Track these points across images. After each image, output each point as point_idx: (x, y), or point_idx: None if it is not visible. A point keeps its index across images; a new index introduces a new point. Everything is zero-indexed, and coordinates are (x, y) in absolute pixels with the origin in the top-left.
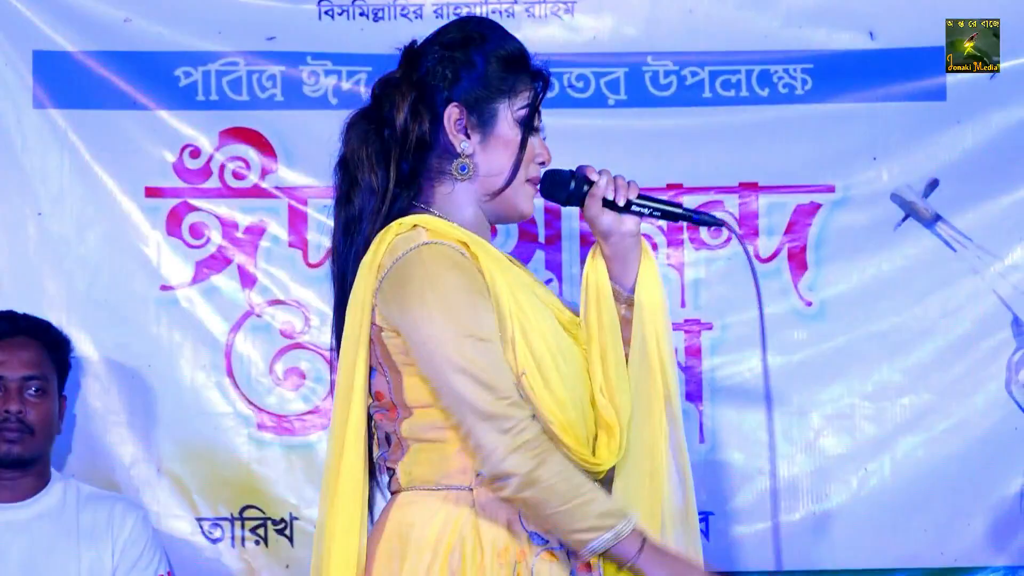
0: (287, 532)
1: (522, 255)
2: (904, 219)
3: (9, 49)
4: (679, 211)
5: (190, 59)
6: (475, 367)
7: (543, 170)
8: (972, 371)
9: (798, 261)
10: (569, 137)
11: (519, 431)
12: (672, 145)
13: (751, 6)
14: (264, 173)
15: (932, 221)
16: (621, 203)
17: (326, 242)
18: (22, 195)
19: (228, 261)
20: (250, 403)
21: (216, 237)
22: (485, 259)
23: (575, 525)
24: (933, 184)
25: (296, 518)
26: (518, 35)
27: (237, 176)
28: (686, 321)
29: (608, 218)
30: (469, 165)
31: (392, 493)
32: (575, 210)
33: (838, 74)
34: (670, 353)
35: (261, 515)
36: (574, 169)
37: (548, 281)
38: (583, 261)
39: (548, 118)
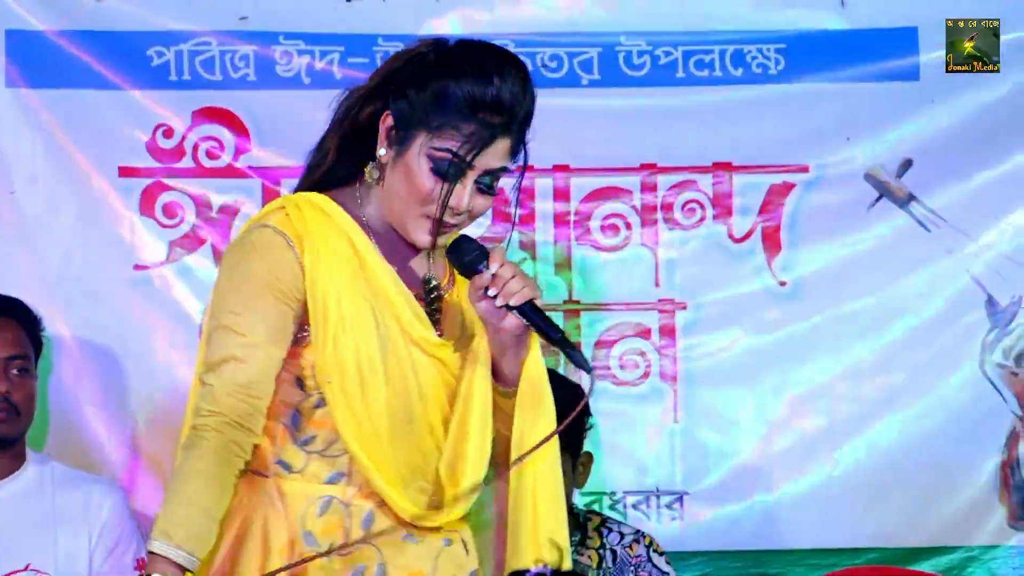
0: None
1: (497, 234)
2: (878, 199)
3: None
4: (556, 337)
5: (163, 39)
6: (209, 348)
7: (459, 219)
8: (946, 351)
9: (772, 241)
10: (542, 117)
11: (199, 415)
12: (646, 125)
13: None
14: (238, 153)
15: (906, 201)
16: (498, 304)
17: None
18: None
19: (202, 241)
20: None
21: (190, 216)
22: (314, 260)
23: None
24: (907, 164)
25: None
26: (491, 15)
27: (211, 156)
28: (660, 301)
29: (485, 307)
30: (379, 172)
31: None
32: (549, 188)
33: (811, 54)
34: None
35: None
36: (481, 247)
37: (522, 260)
38: (557, 240)
39: None
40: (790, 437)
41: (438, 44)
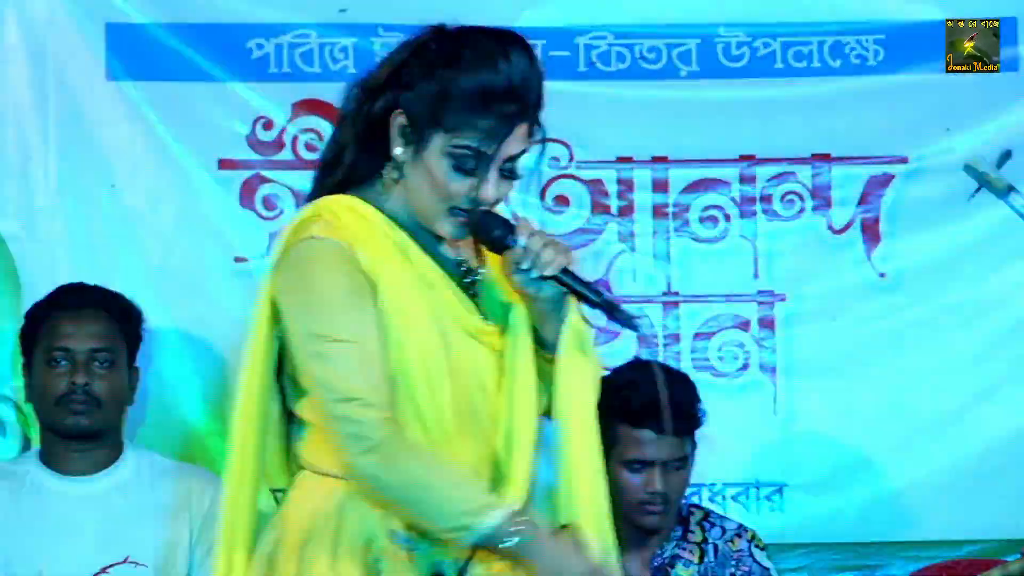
0: None
1: (595, 226)
2: (977, 190)
3: (83, 22)
4: (597, 300)
5: (263, 31)
6: (322, 370)
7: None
8: None
9: (871, 232)
10: (641, 108)
11: (364, 435)
12: (744, 116)
13: None
14: None
15: (1005, 192)
16: (534, 276)
17: None
18: (95, 168)
19: None
20: None
21: (289, 209)
22: (370, 262)
23: (438, 524)
24: (1007, 155)
25: None
26: (590, 6)
27: (310, 148)
28: (760, 292)
29: (520, 280)
30: (399, 171)
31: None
32: (648, 180)
33: (910, 44)
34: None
35: None
36: (506, 221)
37: (620, 253)
38: (656, 232)
39: (619, 89)
40: (890, 429)
41: (439, 33)
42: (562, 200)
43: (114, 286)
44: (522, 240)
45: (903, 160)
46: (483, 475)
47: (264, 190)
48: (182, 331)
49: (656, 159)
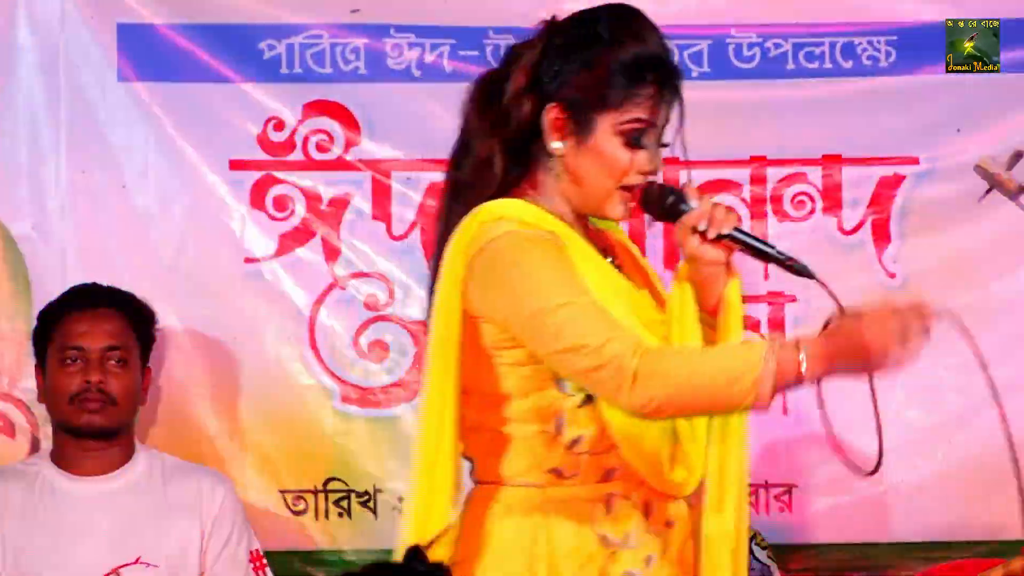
0: (371, 504)
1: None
2: (988, 192)
3: (94, 22)
4: (772, 252)
5: (274, 32)
6: (566, 336)
7: (650, 178)
8: None
9: (882, 233)
10: None
11: (624, 366)
12: (756, 118)
13: None
14: (348, 146)
15: (1016, 193)
16: (711, 236)
17: (409, 215)
18: (106, 168)
19: (312, 234)
20: (334, 376)
21: (300, 209)
22: (572, 248)
23: (731, 401)
24: (1018, 156)
25: (380, 491)
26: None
27: (321, 149)
28: (769, 293)
29: (695, 243)
30: (559, 165)
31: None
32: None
33: (921, 46)
34: None
35: (345, 488)
36: (677, 187)
37: None
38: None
39: None
40: (899, 430)
41: (562, 25)
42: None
43: (125, 286)
44: (695, 203)
45: (914, 161)
46: (674, 459)
47: (275, 191)
48: (193, 332)
49: (667, 160)
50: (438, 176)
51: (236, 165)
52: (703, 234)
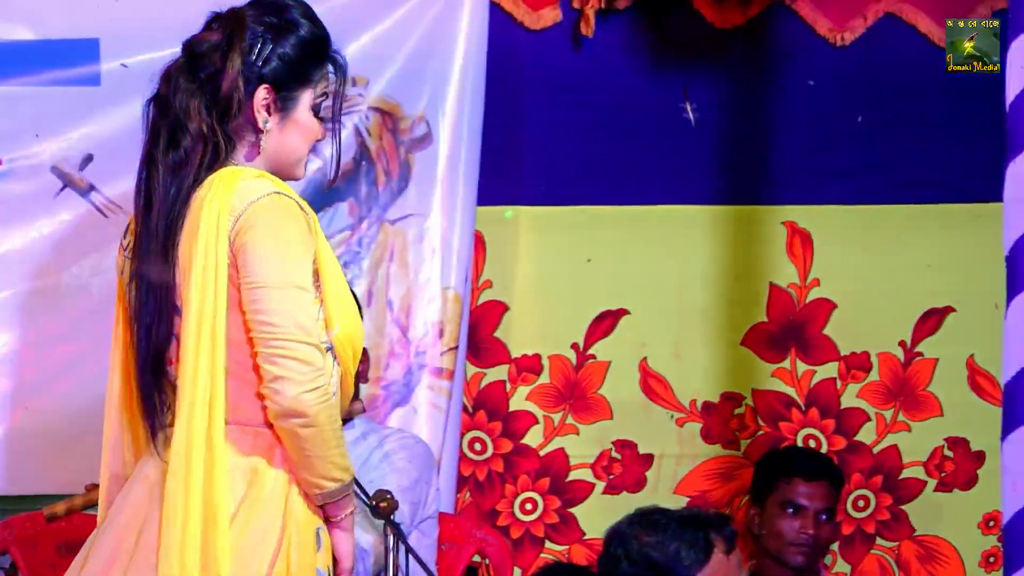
0: None
1: None
2: (62, 189)
3: None
4: None
5: None
6: (297, 312)
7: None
8: None
9: None
10: None
11: (317, 375)
12: None
13: None
14: None
15: (86, 190)
16: None
17: None
18: None
19: None
20: None
21: None
22: (313, 219)
23: (323, 470)
24: (88, 158)
25: None
26: None
27: None
28: None
29: None
30: (267, 140)
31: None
32: None
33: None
34: None
35: None
36: None
37: None
38: None
39: None
40: None
41: (260, 8)
42: None
43: None
44: None
45: None
46: None
47: None
48: None
49: None
50: None
51: None
52: None
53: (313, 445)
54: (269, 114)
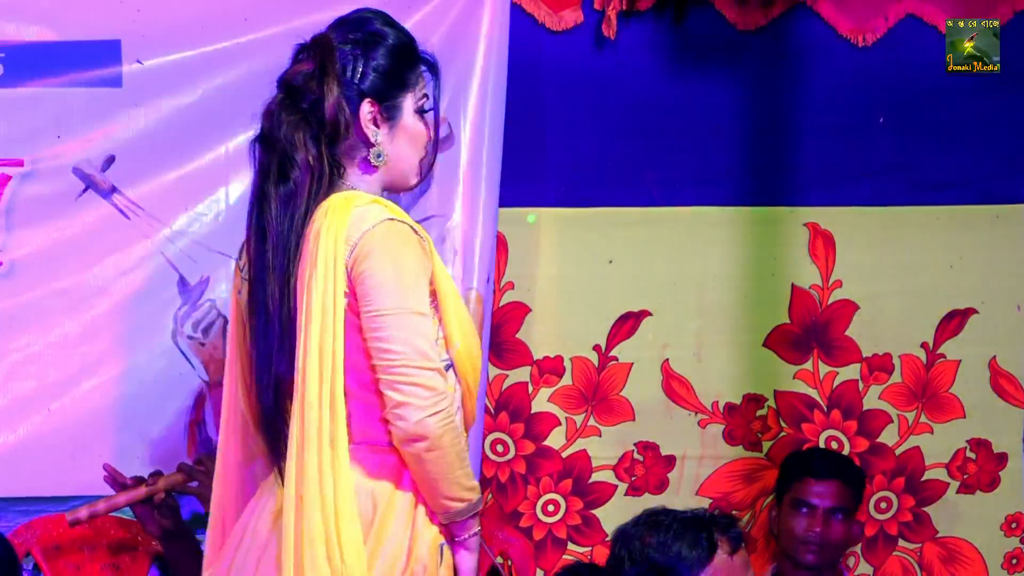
0: None
1: None
2: (84, 190)
3: None
4: None
5: None
6: (416, 339)
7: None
8: (143, 324)
9: None
10: None
11: (439, 399)
12: None
13: None
14: None
15: (108, 192)
16: None
17: None
18: None
19: None
20: None
21: None
22: (428, 241)
23: (449, 491)
24: (110, 160)
25: None
26: None
27: None
28: None
29: None
30: (383, 154)
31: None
32: None
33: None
34: None
35: None
36: None
37: None
38: None
39: None
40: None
41: (344, 28)
42: None
43: None
44: None
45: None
46: None
47: None
48: None
49: None
50: None
51: None
52: None
53: (438, 468)
54: (378, 126)
